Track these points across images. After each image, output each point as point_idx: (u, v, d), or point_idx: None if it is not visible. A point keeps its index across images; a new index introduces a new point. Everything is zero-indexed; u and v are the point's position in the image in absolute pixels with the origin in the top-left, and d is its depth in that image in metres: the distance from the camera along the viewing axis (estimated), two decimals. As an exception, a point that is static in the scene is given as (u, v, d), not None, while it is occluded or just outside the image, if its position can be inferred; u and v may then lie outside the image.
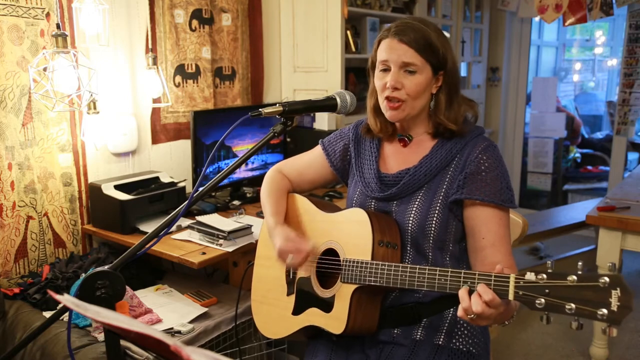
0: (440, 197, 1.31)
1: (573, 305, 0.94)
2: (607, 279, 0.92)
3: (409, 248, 1.34)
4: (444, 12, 3.94)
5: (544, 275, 0.98)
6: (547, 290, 0.97)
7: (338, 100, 1.35)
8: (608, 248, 2.41)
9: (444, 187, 1.32)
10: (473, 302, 1.04)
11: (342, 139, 1.54)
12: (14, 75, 2.06)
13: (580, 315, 0.94)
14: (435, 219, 1.30)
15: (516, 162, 4.95)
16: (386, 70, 1.32)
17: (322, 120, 2.94)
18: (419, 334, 1.34)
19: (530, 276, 0.99)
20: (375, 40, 1.39)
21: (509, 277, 1.02)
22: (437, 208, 1.31)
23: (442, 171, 1.33)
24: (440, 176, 1.33)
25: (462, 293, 1.07)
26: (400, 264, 1.21)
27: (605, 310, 0.91)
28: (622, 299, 0.91)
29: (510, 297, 1.02)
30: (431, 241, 1.32)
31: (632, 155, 5.58)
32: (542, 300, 0.97)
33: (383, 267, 1.23)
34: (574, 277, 0.95)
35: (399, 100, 1.31)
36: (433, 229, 1.31)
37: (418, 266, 1.18)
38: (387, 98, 1.32)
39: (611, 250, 2.41)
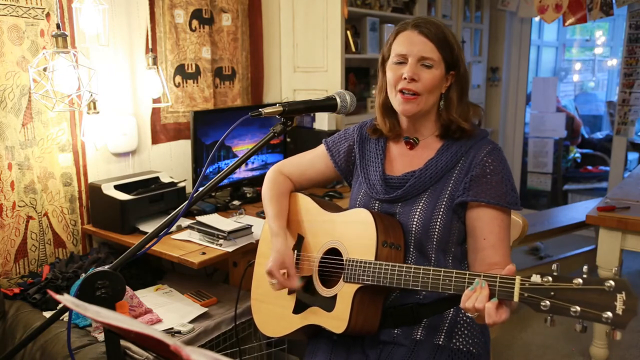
0: (445, 199, 1.32)
1: (578, 308, 0.94)
2: (612, 282, 0.92)
3: (412, 249, 1.34)
4: (444, 12, 3.94)
5: (550, 278, 0.98)
6: (552, 293, 0.97)
7: (338, 100, 1.35)
8: (608, 248, 2.41)
9: (449, 189, 1.32)
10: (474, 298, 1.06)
11: (346, 139, 1.54)
12: (14, 75, 2.06)
13: (585, 318, 0.94)
14: (439, 220, 1.31)
15: (516, 162, 4.95)
16: (402, 63, 1.32)
17: (322, 120, 2.94)
18: (419, 334, 1.34)
19: (535, 278, 0.99)
20: (390, 34, 1.38)
21: (514, 279, 1.02)
22: (442, 210, 1.31)
23: (447, 174, 1.34)
24: (445, 178, 1.34)
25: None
26: (404, 265, 1.22)
27: (610, 314, 0.92)
28: (627, 302, 0.91)
29: (516, 298, 1.02)
30: (435, 243, 1.32)
31: (632, 155, 5.58)
32: (547, 302, 0.97)
33: (387, 267, 1.23)
34: (580, 280, 0.95)
35: (414, 93, 1.31)
36: (437, 230, 1.31)
37: (422, 267, 1.18)
38: (402, 90, 1.32)
39: (611, 250, 2.40)
